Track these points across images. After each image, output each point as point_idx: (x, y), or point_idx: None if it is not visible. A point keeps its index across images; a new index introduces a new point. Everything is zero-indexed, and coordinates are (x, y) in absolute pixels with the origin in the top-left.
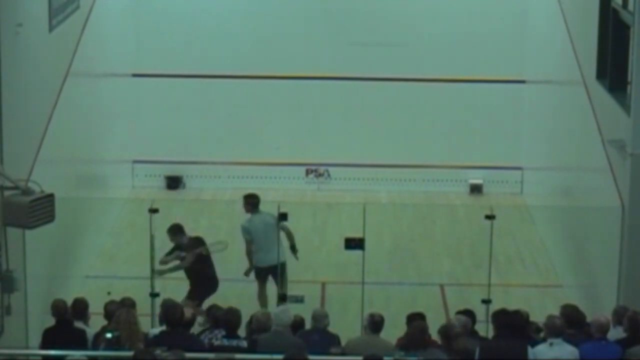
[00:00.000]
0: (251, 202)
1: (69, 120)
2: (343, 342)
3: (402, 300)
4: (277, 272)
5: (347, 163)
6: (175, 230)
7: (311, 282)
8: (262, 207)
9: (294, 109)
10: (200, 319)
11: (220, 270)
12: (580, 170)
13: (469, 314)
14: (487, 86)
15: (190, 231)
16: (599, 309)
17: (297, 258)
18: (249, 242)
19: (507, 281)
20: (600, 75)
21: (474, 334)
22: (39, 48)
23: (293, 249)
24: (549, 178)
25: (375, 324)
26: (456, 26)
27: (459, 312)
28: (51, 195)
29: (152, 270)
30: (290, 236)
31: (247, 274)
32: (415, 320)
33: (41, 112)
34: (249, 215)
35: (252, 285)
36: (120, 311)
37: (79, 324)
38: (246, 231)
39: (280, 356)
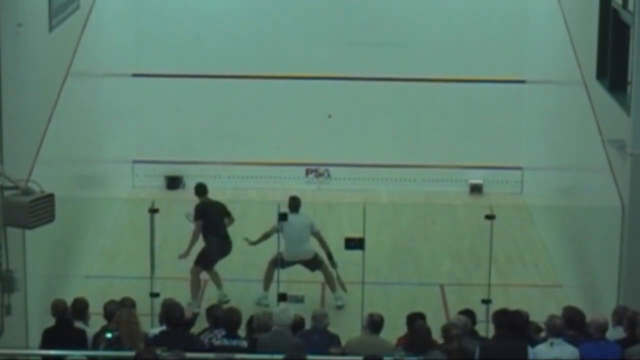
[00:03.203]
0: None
1: (69, 120)
2: (343, 342)
3: (402, 300)
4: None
5: (347, 163)
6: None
7: (311, 282)
8: (262, 206)
9: (294, 109)
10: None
11: (220, 270)
12: (580, 170)
13: (469, 314)
14: (487, 86)
15: (189, 231)
16: (599, 309)
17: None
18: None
19: (507, 281)
20: (600, 75)
21: (474, 334)
22: (39, 48)
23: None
24: (549, 178)
25: (374, 324)
26: (456, 26)
27: (460, 312)
28: (51, 195)
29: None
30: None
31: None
32: (416, 320)
33: (41, 112)
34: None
35: (253, 285)
36: (121, 311)
37: (79, 324)
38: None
39: (280, 356)
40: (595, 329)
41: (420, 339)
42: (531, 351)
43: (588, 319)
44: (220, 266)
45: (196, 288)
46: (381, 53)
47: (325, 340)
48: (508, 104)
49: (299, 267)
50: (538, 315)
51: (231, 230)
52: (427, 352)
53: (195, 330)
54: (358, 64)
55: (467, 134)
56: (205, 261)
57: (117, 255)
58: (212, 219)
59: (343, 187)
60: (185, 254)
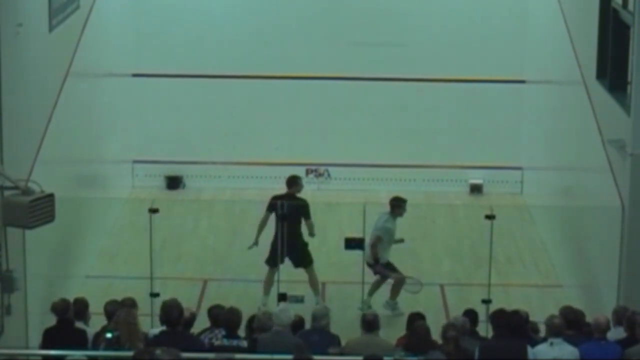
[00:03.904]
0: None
1: (69, 120)
2: (343, 342)
3: (402, 300)
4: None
5: (347, 163)
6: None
7: None
8: (262, 206)
9: (294, 109)
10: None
11: (220, 270)
12: (580, 170)
13: (471, 314)
14: (487, 86)
15: (189, 231)
16: (599, 309)
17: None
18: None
19: (507, 281)
20: (600, 75)
21: (474, 334)
22: (39, 48)
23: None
24: (549, 178)
25: (367, 323)
26: (456, 26)
27: (464, 312)
28: (51, 195)
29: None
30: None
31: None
32: (416, 320)
33: (41, 112)
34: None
35: (252, 285)
36: (119, 311)
37: (79, 324)
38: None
39: (281, 356)
40: (596, 328)
41: (419, 339)
42: (531, 351)
43: (589, 318)
44: (221, 266)
45: (266, 284)
46: (381, 53)
47: (325, 340)
48: (508, 104)
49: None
50: (538, 315)
51: (232, 230)
52: (426, 352)
53: (195, 330)
54: (358, 64)
55: (467, 134)
56: (269, 257)
57: (117, 255)
58: (282, 216)
59: (343, 187)
60: (252, 244)
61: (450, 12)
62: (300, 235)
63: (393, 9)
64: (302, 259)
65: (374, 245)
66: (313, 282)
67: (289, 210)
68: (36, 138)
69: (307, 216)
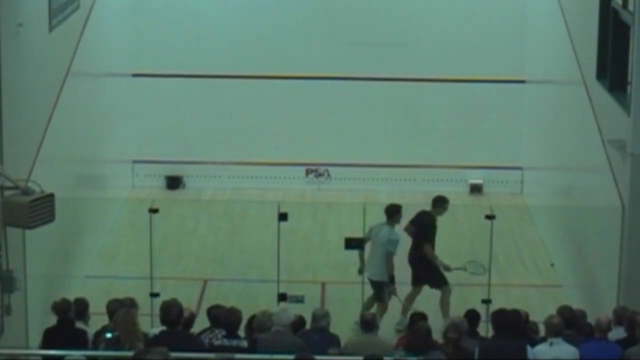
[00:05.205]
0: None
1: (69, 120)
2: (343, 343)
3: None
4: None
5: (347, 163)
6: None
7: (311, 282)
8: (261, 207)
9: (294, 109)
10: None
11: (220, 270)
12: (580, 170)
13: (473, 313)
14: (487, 86)
15: (189, 231)
16: (599, 309)
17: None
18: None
19: (507, 281)
20: (600, 75)
21: (474, 334)
22: (39, 48)
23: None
24: (549, 178)
25: (365, 323)
26: (456, 26)
27: (465, 312)
28: (51, 195)
29: None
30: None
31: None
32: (417, 320)
33: (41, 112)
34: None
35: (252, 285)
36: (118, 311)
37: (79, 324)
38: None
39: (281, 356)
40: (598, 327)
41: (420, 339)
42: (531, 351)
43: (590, 319)
44: (221, 266)
45: (406, 301)
46: (381, 53)
47: (325, 340)
48: (508, 104)
49: (298, 268)
50: (538, 315)
51: (232, 230)
52: (427, 352)
53: (195, 330)
54: (358, 64)
55: (467, 134)
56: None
57: (117, 255)
58: (415, 235)
59: (343, 187)
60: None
61: (450, 12)
62: (416, 258)
63: (393, 9)
64: (433, 279)
65: (390, 262)
66: (443, 305)
67: (421, 230)
68: (36, 138)
69: (428, 239)
